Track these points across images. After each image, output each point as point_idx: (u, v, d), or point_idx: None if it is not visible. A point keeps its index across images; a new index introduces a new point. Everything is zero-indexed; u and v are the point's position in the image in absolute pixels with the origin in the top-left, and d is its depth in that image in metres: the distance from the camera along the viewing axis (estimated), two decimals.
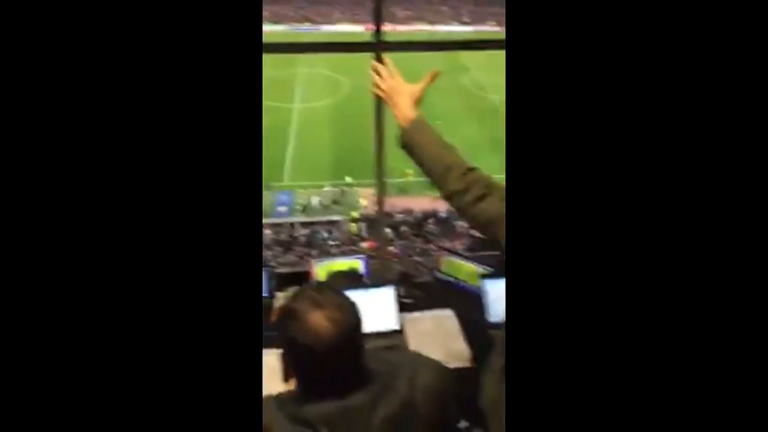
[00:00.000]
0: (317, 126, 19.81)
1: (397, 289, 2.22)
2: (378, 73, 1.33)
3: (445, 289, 2.62)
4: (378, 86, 1.32)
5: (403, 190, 14.58)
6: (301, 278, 2.75)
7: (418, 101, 1.25)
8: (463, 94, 21.25)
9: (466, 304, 2.34)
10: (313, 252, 12.12)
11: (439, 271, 2.73)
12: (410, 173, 16.01)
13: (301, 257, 11.37)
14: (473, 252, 3.57)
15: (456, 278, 2.64)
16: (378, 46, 2.48)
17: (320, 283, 0.97)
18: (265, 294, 2.56)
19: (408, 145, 1.21)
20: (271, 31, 31.69)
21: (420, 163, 1.20)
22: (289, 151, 18.30)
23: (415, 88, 1.25)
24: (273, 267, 3.02)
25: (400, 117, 1.22)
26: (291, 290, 2.65)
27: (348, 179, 15.93)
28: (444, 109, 18.82)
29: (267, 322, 2.26)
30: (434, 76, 1.25)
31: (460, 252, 2.81)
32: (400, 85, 1.26)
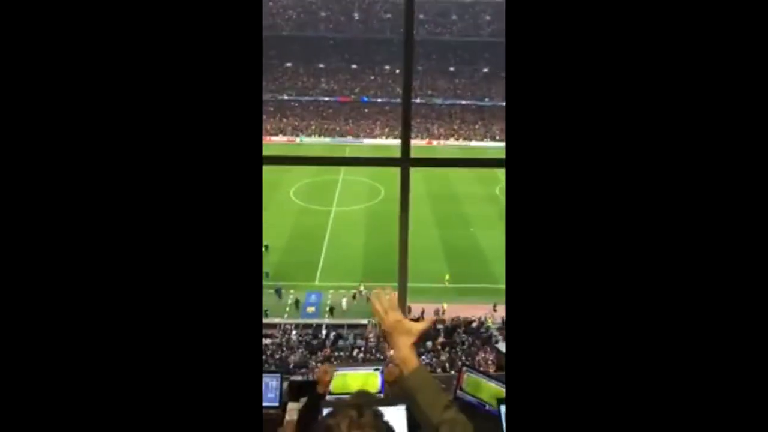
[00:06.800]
0: (352, 229, 20.48)
1: (410, 410, 2.05)
2: (379, 305, 1.33)
3: (465, 411, 2.41)
4: (379, 319, 1.33)
5: (438, 295, 14.27)
6: (315, 388, 2.62)
7: (418, 341, 1.26)
8: (496, 203, 21.74)
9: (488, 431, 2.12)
10: (338, 355, 11.65)
11: (462, 389, 2.54)
12: (448, 279, 15.86)
13: (323, 361, 10.92)
14: (503, 370, 3.33)
15: (480, 399, 2.44)
16: (404, 162, 2.67)
17: (359, 403, 0.97)
18: (275, 403, 2.44)
19: (405, 390, 1.22)
20: (317, 142, 34.77)
21: (415, 405, 1.20)
22: (323, 252, 18.74)
23: (415, 328, 1.26)
24: (287, 375, 2.90)
25: (401, 360, 1.22)
26: (303, 401, 2.52)
27: (363, 286, 15.82)
28: (478, 216, 19.17)
29: None
30: (433, 323, 1.30)
31: (484, 371, 2.62)
32: (401, 325, 1.26)
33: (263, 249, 17.79)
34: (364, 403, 0.95)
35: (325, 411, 1.57)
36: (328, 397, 2.42)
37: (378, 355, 11.55)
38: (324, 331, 13.62)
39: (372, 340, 12.87)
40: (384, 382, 2.57)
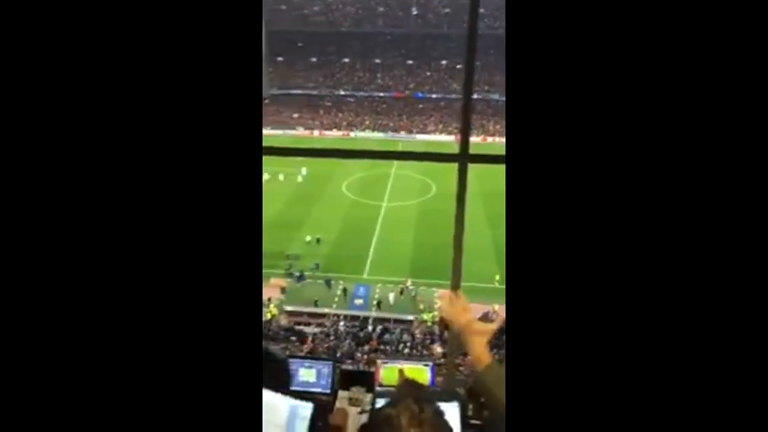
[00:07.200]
0: (402, 224, 20.52)
1: (464, 408, 2.04)
2: (448, 305, 1.35)
3: None
4: (450, 319, 1.33)
5: (488, 296, 13.99)
6: (366, 378, 2.67)
7: (492, 340, 1.26)
8: None
9: None
10: (384, 348, 11.77)
11: None
12: (498, 279, 15.50)
13: (372, 352, 11.08)
14: None
15: None
16: (463, 158, 2.63)
17: (422, 398, 0.97)
18: (327, 390, 2.51)
19: (480, 386, 1.22)
20: (370, 137, 35.12)
21: (489, 402, 1.20)
22: (372, 246, 18.94)
23: (489, 328, 1.27)
24: (339, 363, 2.97)
25: (475, 359, 1.24)
26: (354, 390, 2.58)
27: (410, 282, 15.83)
28: None
29: (323, 420, 2.18)
30: (504, 323, 1.31)
31: None
32: (472, 326, 1.28)
33: (315, 241, 18.29)
34: (424, 398, 0.95)
35: (380, 401, 1.56)
36: (379, 389, 2.46)
37: (424, 352, 11.54)
38: (371, 324, 13.80)
39: (418, 336, 12.88)
40: (435, 370, 2.57)
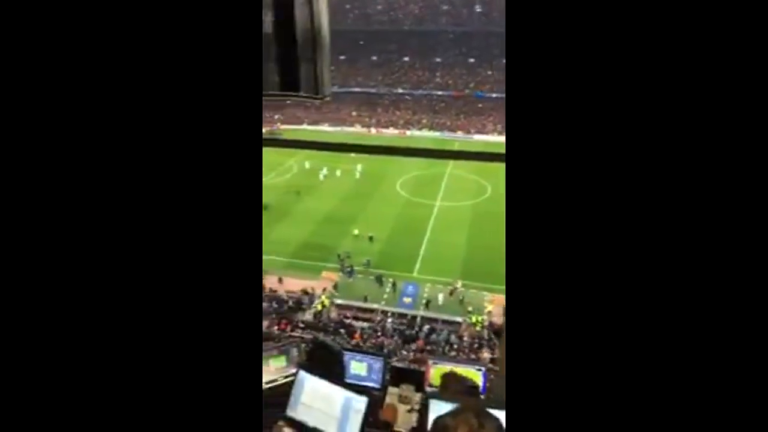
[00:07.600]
0: (454, 225, 20.26)
1: None
2: None
3: None
4: None
5: None
6: (416, 376, 2.67)
7: None
8: None
9: None
10: (430, 348, 11.70)
11: None
12: None
13: (419, 352, 11.06)
14: None
15: None
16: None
17: (483, 410, 0.97)
18: (377, 384, 2.54)
19: None
20: (425, 136, 34.93)
21: None
22: (424, 246, 18.86)
23: None
24: (389, 359, 2.99)
25: None
26: (404, 388, 2.59)
27: (460, 283, 15.54)
28: None
29: (373, 415, 2.21)
30: None
31: None
32: None
33: (368, 239, 18.52)
34: (484, 411, 0.92)
35: (440, 405, 1.55)
36: (429, 389, 2.44)
37: (471, 356, 11.33)
38: (418, 323, 13.76)
39: (466, 339, 12.67)
40: (487, 376, 2.52)
